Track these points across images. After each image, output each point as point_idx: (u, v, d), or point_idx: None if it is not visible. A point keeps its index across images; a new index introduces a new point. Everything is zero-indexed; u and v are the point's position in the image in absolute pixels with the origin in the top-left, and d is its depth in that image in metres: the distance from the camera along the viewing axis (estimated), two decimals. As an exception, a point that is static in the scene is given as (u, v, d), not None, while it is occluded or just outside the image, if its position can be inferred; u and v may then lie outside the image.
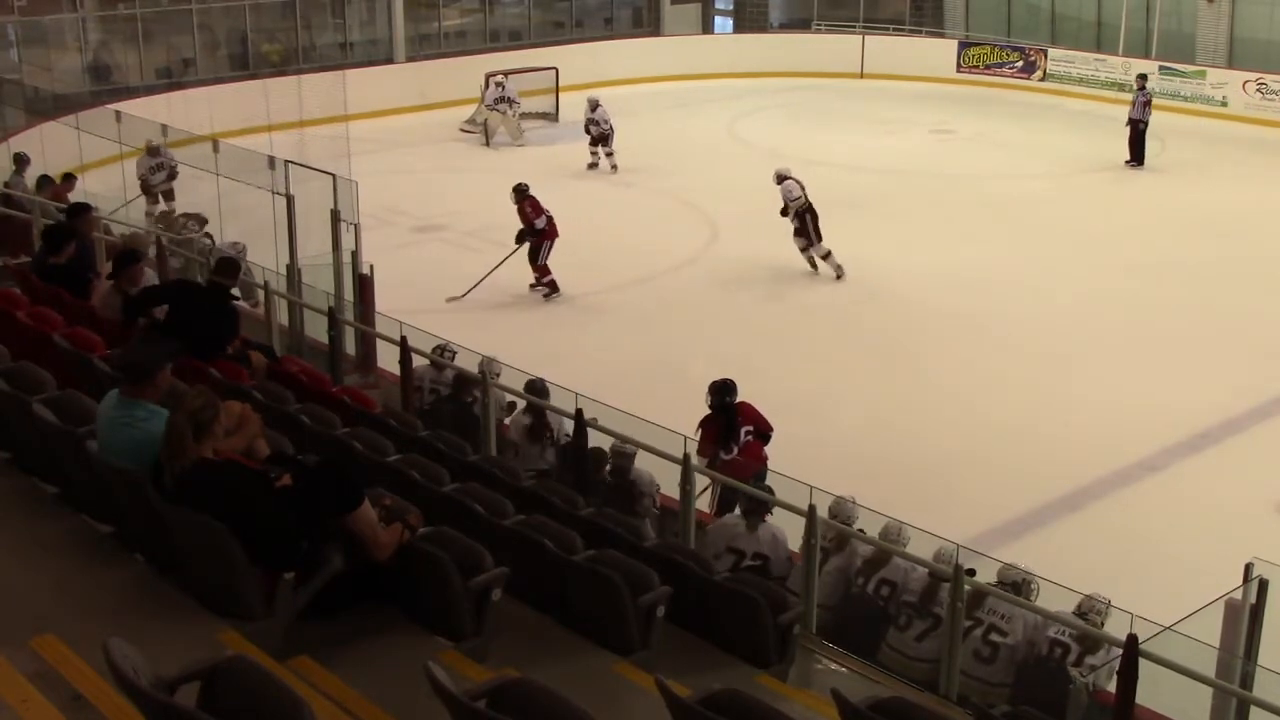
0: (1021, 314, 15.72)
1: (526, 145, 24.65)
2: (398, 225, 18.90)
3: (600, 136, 22.39)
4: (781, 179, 17.17)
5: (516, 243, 15.96)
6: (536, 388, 10.05)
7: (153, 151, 18.27)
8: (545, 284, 16.01)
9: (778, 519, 8.45)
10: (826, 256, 16.85)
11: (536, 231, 15.86)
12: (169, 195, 18.43)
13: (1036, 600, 7.36)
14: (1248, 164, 23.81)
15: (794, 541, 8.19)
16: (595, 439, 9.26)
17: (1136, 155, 23.04)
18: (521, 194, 16.03)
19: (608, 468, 9.06)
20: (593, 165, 22.46)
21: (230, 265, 9.26)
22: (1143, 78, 23.95)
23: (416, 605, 5.18)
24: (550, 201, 16.22)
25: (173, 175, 18.39)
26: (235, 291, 9.55)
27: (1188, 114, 27.10)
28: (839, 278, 16.77)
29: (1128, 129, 23.11)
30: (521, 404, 10.18)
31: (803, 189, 16.90)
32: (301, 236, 13.42)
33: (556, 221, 16.08)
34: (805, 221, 16.82)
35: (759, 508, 8.30)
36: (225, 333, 8.63)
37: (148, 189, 18.33)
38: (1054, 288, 16.63)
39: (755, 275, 17.08)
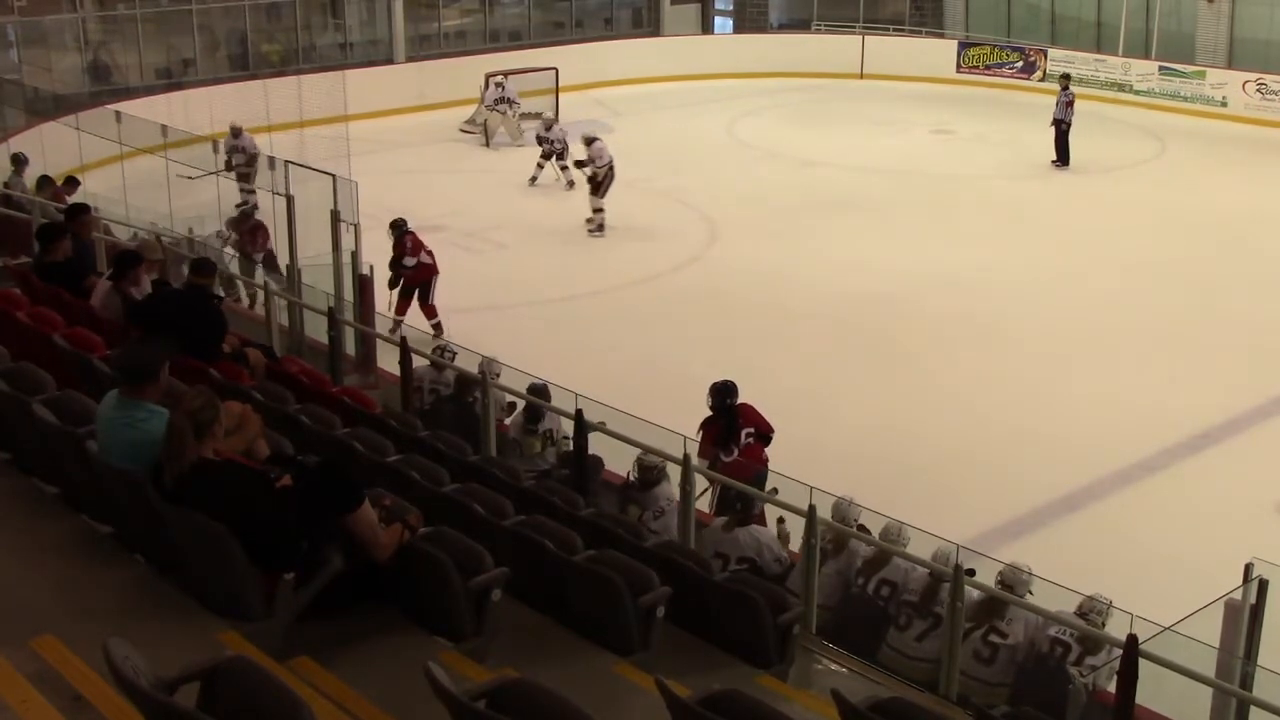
0: (1021, 314, 15.73)
1: (526, 145, 24.61)
2: (397, 226, 18.88)
3: (552, 153, 21.85)
4: (590, 141, 19.04)
5: (390, 286, 14.72)
6: (538, 390, 10.02)
7: (234, 132, 19.70)
8: (434, 325, 14.76)
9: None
10: (597, 210, 18.77)
11: (406, 268, 14.74)
12: (247, 178, 19.26)
13: (1031, 599, 7.35)
14: (1248, 164, 23.81)
15: (792, 542, 8.20)
16: (596, 441, 9.24)
17: (1061, 156, 23.02)
18: (399, 230, 14.94)
19: (633, 477, 8.90)
20: (533, 180, 21.85)
21: (206, 265, 9.22)
22: (1066, 78, 23.92)
23: (416, 606, 5.17)
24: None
25: (251, 160, 19.39)
26: (219, 292, 9.53)
27: (1187, 114, 27.13)
28: (591, 228, 18.72)
29: (1051, 129, 23.12)
30: (521, 405, 10.18)
31: (609, 153, 18.79)
32: (301, 237, 13.42)
33: (437, 257, 15.04)
34: (595, 182, 18.74)
35: (739, 512, 8.29)
36: (214, 332, 8.59)
37: (231, 168, 19.32)
38: (1054, 288, 16.64)
39: (755, 275, 17.07)
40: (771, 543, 8.25)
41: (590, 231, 18.80)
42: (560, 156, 21.79)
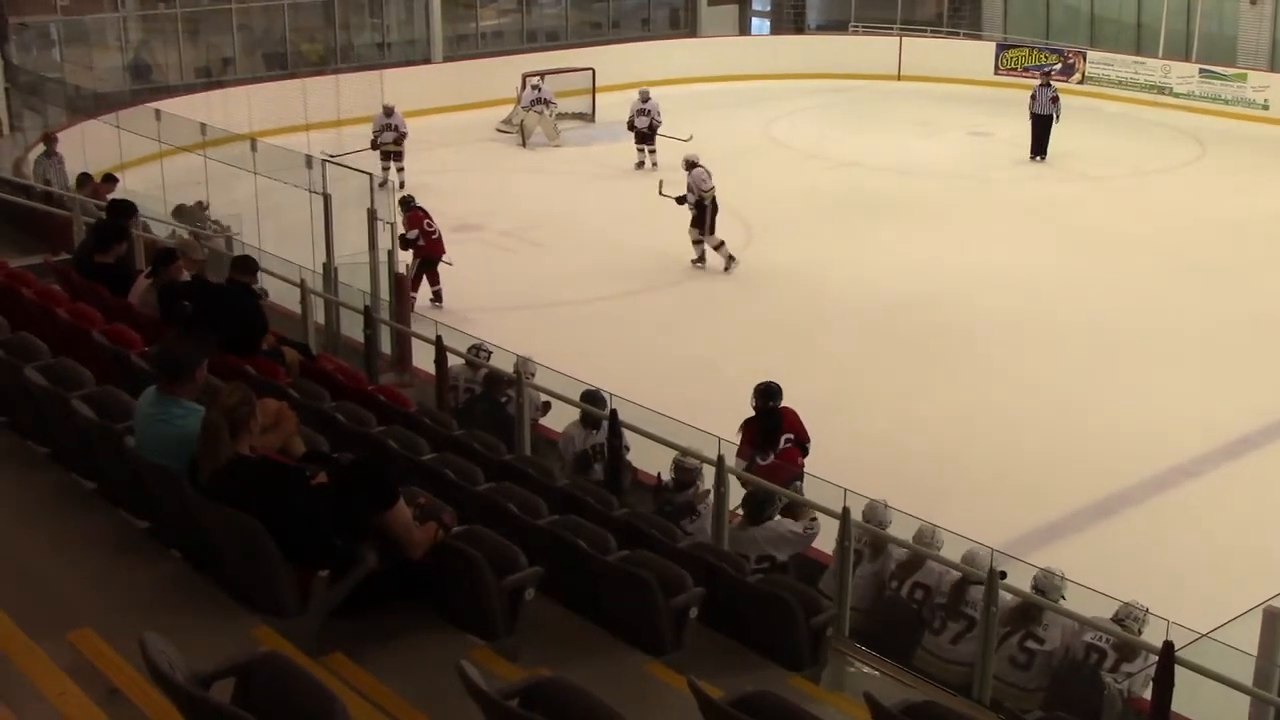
0: (1059, 317, 15.60)
1: (563, 146, 24.68)
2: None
3: (649, 130, 22.14)
4: (691, 165, 17.35)
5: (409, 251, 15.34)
6: (594, 398, 9.77)
7: (387, 111, 20.88)
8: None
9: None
10: (719, 247, 17.09)
11: (409, 243, 15.23)
12: (398, 156, 20.58)
13: (1066, 604, 7.30)
14: (1290, 168, 23.58)
15: (827, 544, 8.17)
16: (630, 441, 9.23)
17: (1040, 148, 23.33)
18: (405, 206, 15.56)
19: (669, 481, 8.84)
20: (640, 164, 22.11)
21: (248, 262, 9.25)
22: (1047, 74, 24.38)
23: (450, 604, 5.19)
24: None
25: (400, 139, 20.78)
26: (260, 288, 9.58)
27: (1229, 117, 26.88)
28: (728, 269, 16.99)
29: (1033, 124, 23.30)
30: (575, 422, 9.91)
31: (710, 178, 17.06)
32: (338, 235, 13.48)
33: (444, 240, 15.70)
34: (704, 212, 17.01)
35: (754, 511, 8.26)
36: (254, 329, 8.63)
37: (376, 147, 20.58)
38: (1092, 291, 16.52)
39: (790, 276, 17.03)
40: (787, 531, 8.24)
41: (725, 267, 17.07)
42: (650, 137, 22.15)
